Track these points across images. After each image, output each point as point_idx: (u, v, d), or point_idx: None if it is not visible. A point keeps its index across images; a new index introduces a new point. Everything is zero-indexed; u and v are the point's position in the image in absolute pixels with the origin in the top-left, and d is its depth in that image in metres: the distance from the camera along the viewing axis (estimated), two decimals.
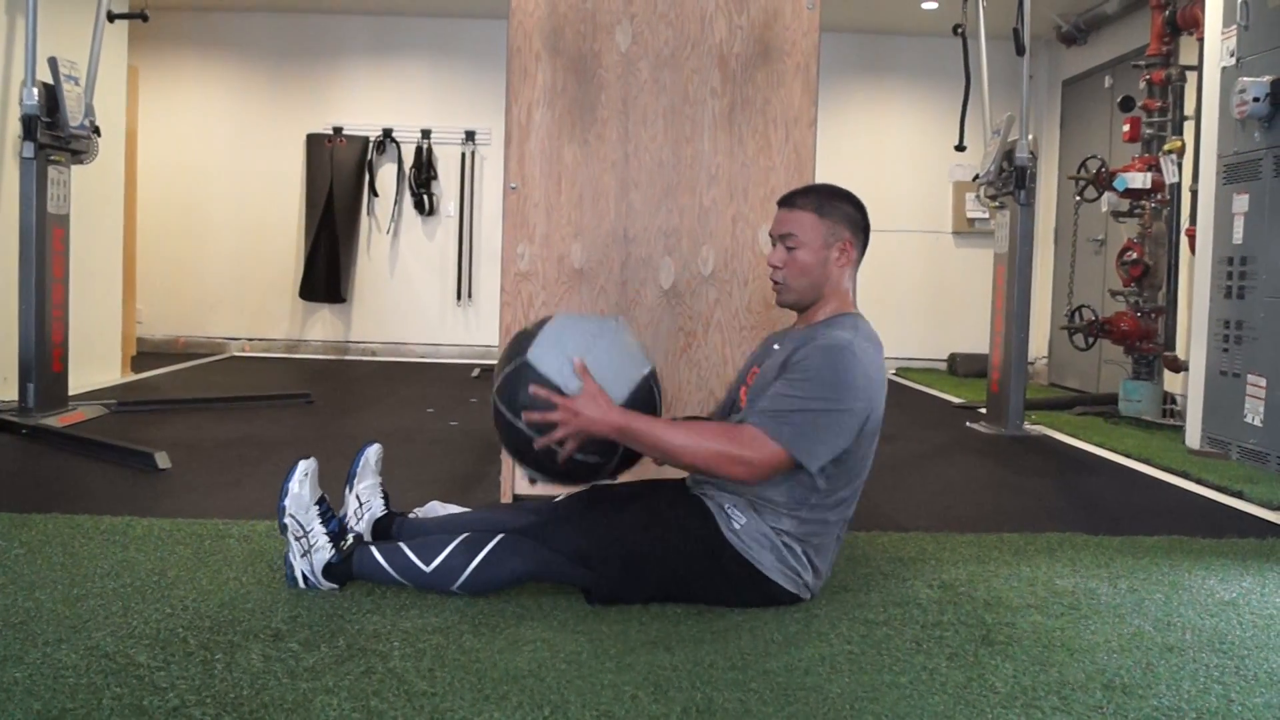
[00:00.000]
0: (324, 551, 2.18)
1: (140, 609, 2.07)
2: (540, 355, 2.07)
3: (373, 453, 2.49)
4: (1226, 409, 4.39)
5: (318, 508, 2.21)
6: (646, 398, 2.15)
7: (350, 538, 2.26)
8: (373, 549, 2.20)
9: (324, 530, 2.20)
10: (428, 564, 2.15)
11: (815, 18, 3.03)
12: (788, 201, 2.29)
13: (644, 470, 3.00)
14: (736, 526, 2.15)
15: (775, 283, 2.29)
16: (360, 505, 2.42)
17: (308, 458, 2.26)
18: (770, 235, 2.32)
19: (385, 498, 2.46)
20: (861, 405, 2.11)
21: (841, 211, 2.26)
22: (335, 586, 2.19)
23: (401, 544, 2.20)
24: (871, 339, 2.21)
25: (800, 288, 2.25)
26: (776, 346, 2.29)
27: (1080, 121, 7.45)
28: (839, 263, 2.25)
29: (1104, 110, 6.94)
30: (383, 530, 2.40)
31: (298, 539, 2.19)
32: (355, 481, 2.44)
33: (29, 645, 1.86)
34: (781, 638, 2.03)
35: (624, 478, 2.28)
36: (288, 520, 2.19)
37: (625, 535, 2.16)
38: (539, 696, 1.72)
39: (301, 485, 2.20)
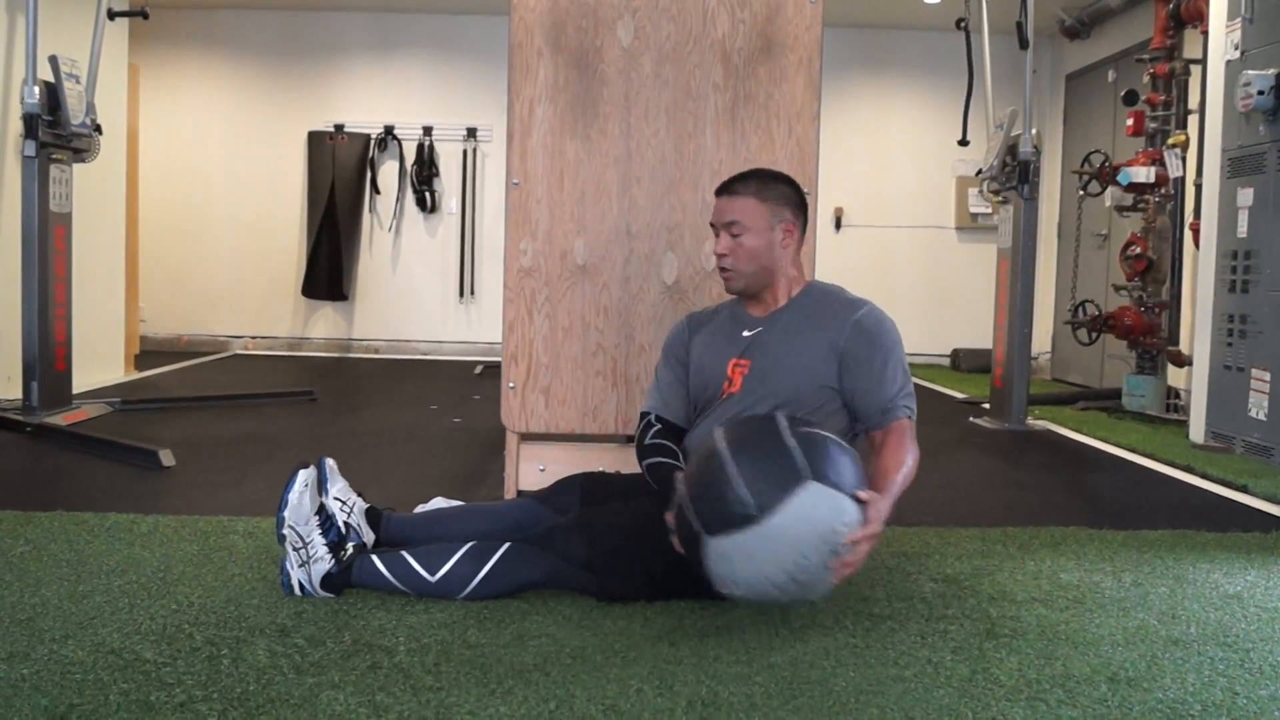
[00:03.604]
0: (323, 563, 2.14)
1: (146, 605, 2.08)
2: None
3: (329, 463, 2.38)
4: (1230, 403, 4.38)
5: (317, 518, 2.18)
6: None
7: (350, 547, 2.22)
8: (374, 558, 2.17)
9: (324, 541, 2.16)
10: (433, 573, 2.12)
11: (818, 12, 3.02)
12: (726, 189, 2.35)
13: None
14: None
15: (723, 270, 2.35)
16: (343, 504, 2.38)
17: (307, 466, 2.21)
18: (712, 225, 2.39)
19: (360, 495, 2.41)
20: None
21: (780, 193, 2.33)
22: (331, 595, 2.17)
23: (404, 552, 2.17)
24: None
25: (750, 273, 2.32)
26: (746, 333, 2.35)
27: (1083, 116, 7.44)
28: (784, 244, 2.31)
29: (1107, 104, 6.92)
30: (373, 520, 2.35)
31: (296, 549, 2.15)
32: (328, 486, 2.39)
33: (35, 642, 1.87)
34: (786, 631, 2.03)
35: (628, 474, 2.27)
36: (286, 531, 2.15)
37: (630, 536, 2.16)
38: (544, 691, 1.72)
39: (301, 496, 2.16)
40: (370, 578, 2.16)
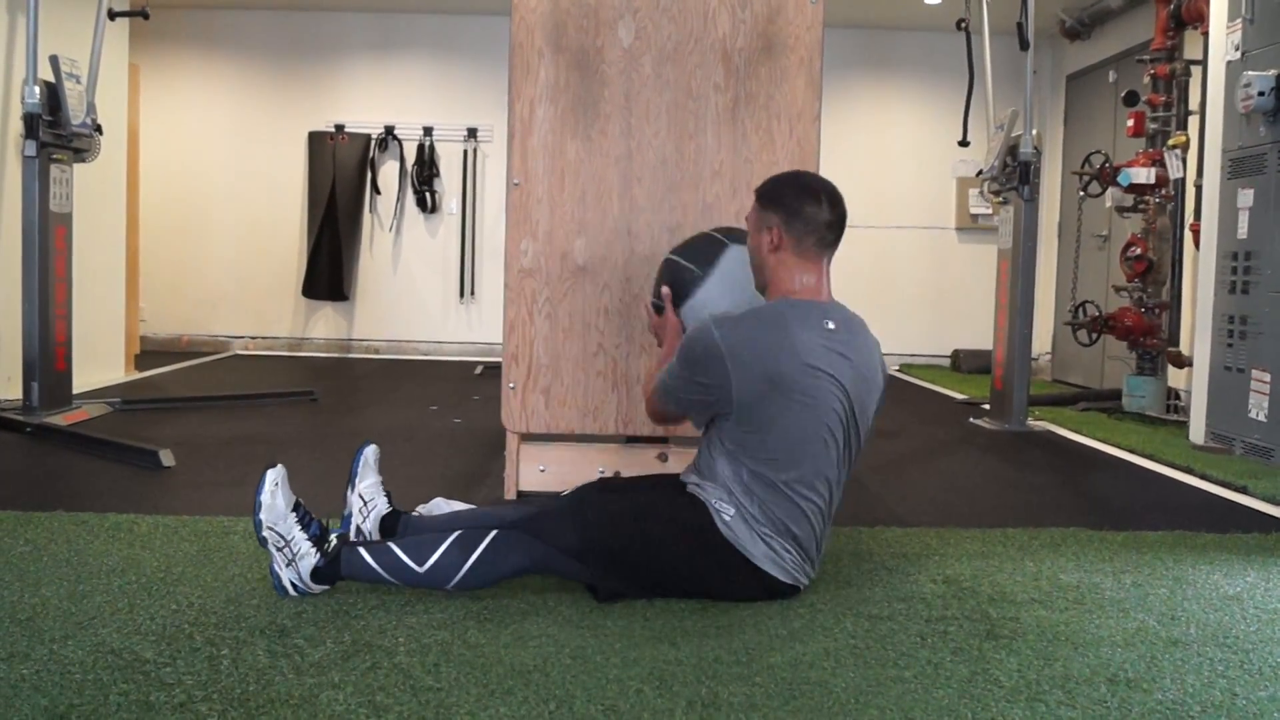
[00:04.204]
0: (309, 558, 2.14)
1: (146, 605, 2.08)
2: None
3: (370, 453, 2.48)
4: (1230, 404, 4.38)
5: (295, 514, 2.17)
6: None
7: (334, 538, 2.23)
8: (361, 550, 2.16)
9: (305, 536, 2.16)
10: (421, 564, 2.12)
11: (819, 12, 3.02)
12: None
13: (645, 467, 3.00)
14: (727, 518, 2.16)
15: None
16: (365, 504, 2.41)
17: (274, 466, 2.20)
18: None
19: (388, 495, 2.45)
20: (704, 378, 2.18)
21: (778, 199, 2.26)
22: (326, 588, 2.17)
23: (391, 544, 2.16)
24: (766, 320, 2.19)
25: (752, 272, 2.35)
26: None
27: (1084, 116, 7.44)
28: (768, 248, 2.26)
29: (1108, 105, 6.92)
30: (389, 528, 2.39)
31: (279, 549, 2.14)
32: (357, 481, 2.44)
33: (35, 642, 1.87)
34: (786, 632, 2.04)
35: (629, 473, 2.28)
36: (266, 533, 2.14)
37: (617, 530, 2.16)
38: (544, 691, 1.72)
39: (274, 496, 2.15)
40: (359, 570, 2.15)
